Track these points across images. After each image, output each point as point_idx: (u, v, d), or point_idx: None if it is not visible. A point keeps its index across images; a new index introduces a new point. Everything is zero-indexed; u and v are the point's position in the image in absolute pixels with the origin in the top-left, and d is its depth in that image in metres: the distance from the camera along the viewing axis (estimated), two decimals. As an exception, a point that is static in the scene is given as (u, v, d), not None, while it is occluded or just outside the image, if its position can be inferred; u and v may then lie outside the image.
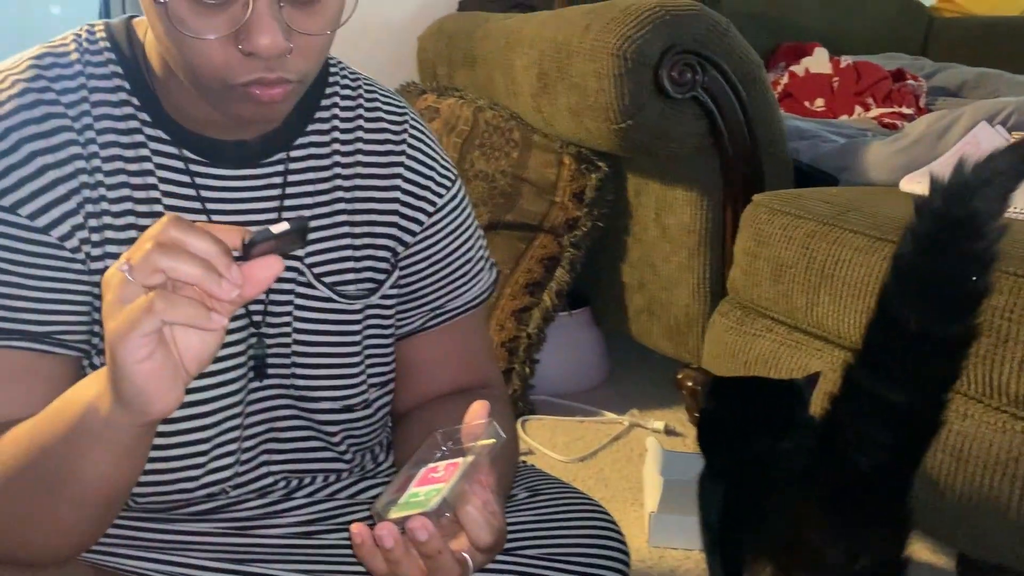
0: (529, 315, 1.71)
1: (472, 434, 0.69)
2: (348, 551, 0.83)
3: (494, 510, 0.67)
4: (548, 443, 1.62)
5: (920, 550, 1.26)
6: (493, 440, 0.67)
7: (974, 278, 0.61)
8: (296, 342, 0.82)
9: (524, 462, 1.04)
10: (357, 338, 0.84)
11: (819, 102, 2.06)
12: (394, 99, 0.88)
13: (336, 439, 0.86)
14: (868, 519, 0.68)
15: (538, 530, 0.88)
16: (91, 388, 0.62)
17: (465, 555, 0.66)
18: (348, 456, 0.88)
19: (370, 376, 0.86)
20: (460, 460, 0.66)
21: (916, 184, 1.28)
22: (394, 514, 0.64)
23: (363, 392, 0.85)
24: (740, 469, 0.84)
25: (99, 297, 0.74)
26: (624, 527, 1.34)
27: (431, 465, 0.68)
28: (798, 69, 2.18)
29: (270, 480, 0.84)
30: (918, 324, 0.63)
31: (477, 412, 0.70)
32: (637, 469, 1.52)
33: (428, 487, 0.65)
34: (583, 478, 1.50)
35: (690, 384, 1.62)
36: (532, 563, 0.85)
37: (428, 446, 0.71)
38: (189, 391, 0.77)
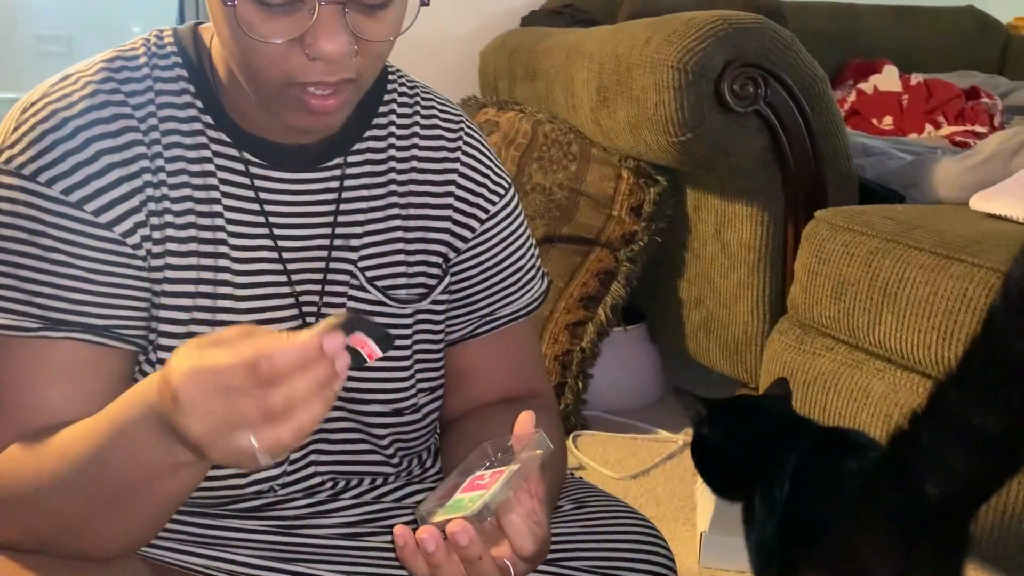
0: (583, 329, 1.70)
1: (520, 444, 0.68)
2: (392, 554, 0.83)
3: (539, 519, 0.66)
4: (600, 459, 1.60)
5: (986, 583, 1.21)
6: (540, 451, 0.66)
7: None
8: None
9: (572, 474, 1.02)
10: (407, 342, 0.84)
11: (887, 120, 2.02)
12: (450, 107, 0.89)
13: (384, 442, 0.86)
14: (924, 545, 0.65)
15: (583, 542, 0.87)
16: (154, 430, 0.62)
17: (507, 562, 0.65)
18: (395, 460, 0.88)
19: (419, 381, 0.86)
20: (506, 468, 0.66)
21: (987, 202, 1.24)
22: (438, 518, 0.64)
23: (412, 396, 0.85)
24: (782, 487, 0.81)
25: (159, 295, 0.76)
26: (675, 546, 1.32)
27: (478, 473, 0.68)
28: (866, 87, 2.14)
29: (317, 480, 0.85)
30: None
31: (525, 422, 0.70)
32: (690, 488, 1.49)
33: (473, 493, 0.65)
34: (634, 495, 1.48)
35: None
36: (575, 575, 0.84)
37: (477, 455, 0.71)
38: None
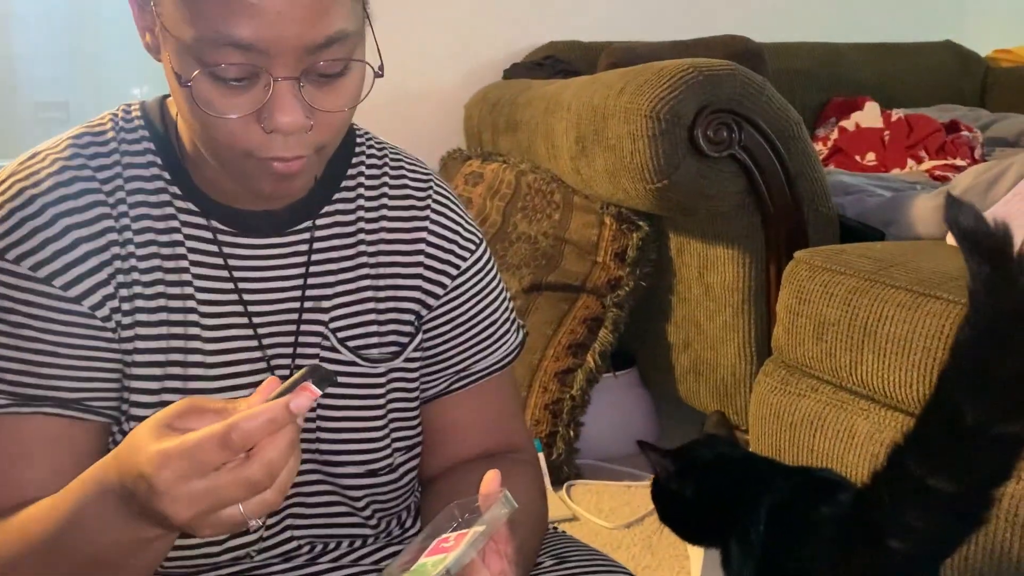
0: (573, 377, 1.70)
1: (486, 503, 0.68)
2: (369, 618, 0.82)
3: None
4: (594, 508, 1.59)
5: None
6: (506, 510, 0.66)
7: None
8: (320, 406, 0.83)
9: (555, 528, 1.02)
10: (381, 401, 0.84)
11: (870, 156, 2.03)
12: (419, 165, 0.90)
13: (361, 504, 0.85)
14: None
15: (565, 599, 0.86)
16: (116, 512, 0.62)
17: None
18: (373, 521, 0.87)
19: (395, 440, 0.86)
20: (470, 530, 0.65)
21: (963, 237, 1.24)
22: None
23: (388, 456, 0.85)
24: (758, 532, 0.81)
25: (130, 365, 0.76)
26: (669, 595, 1.31)
27: (443, 536, 0.67)
28: (848, 124, 2.16)
29: (294, 544, 0.84)
30: (975, 418, 0.60)
31: (490, 481, 0.69)
32: (684, 535, 1.47)
33: (436, 556, 0.65)
34: (628, 545, 1.46)
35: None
36: (559, 633, 0.83)
37: (444, 516, 0.70)
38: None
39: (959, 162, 1.85)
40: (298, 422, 0.59)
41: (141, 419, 0.75)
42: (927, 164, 1.89)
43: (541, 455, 1.67)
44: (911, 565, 0.63)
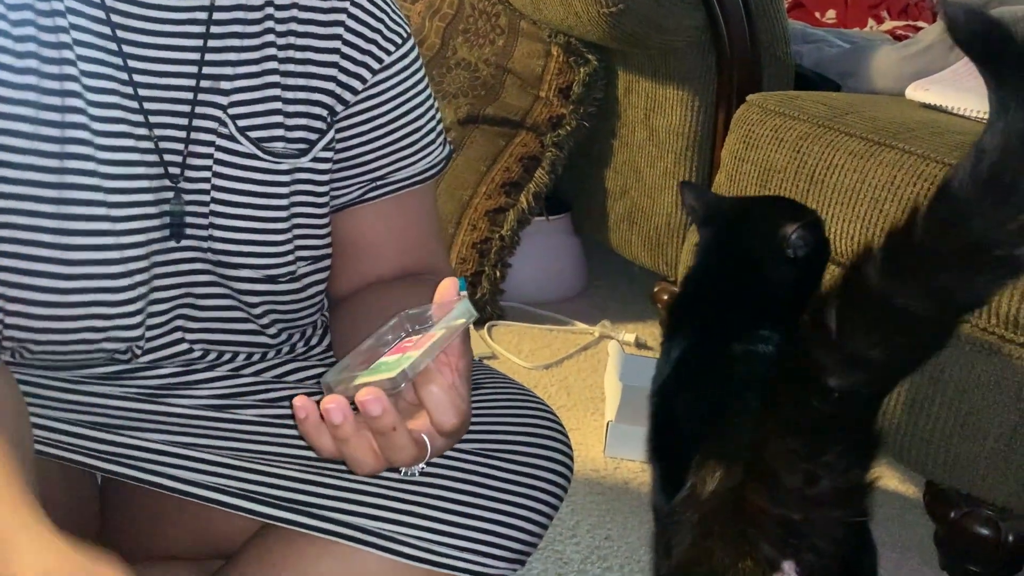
0: (504, 216, 1.62)
1: (442, 311, 0.61)
2: (266, 428, 0.77)
3: (461, 393, 0.60)
4: (514, 349, 1.56)
5: (888, 478, 1.21)
6: (463, 319, 0.59)
7: None
8: (215, 200, 0.75)
9: (478, 360, 0.97)
10: (283, 202, 0.76)
11: (830, 14, 1.94)
12: None
13: (258, 311, 0.78)
14: (830, 442, 0.58)
15: (476, 424, 0.81)
16: None
17: (424, 436, 0.59)
18: (272, 332, 0.81)
19: (299, 248, 0.79)
20: (430, 335, 0.58)
21: (924, 92, 1.19)
22: (344, 386, 0.56)
23: (290, 264, 0.78)
24: (702, 364, 0.77)
25: None
26: (582, 437, 1.29)
27: (400, 342, 0.60)
28: (811, -22, 2.05)
29: (185, 347, 0.77)
30: (984, 231, 0.50)
31: (448, 289, 0.62)
32: (601, 379, 1.46)
33: (394, 356, 0.58)
34: (545, 385, 1.44)
35: (666, 298, 1.55)
36: (464, 457, 0.79)
37: (391, 328, 0.63)
38: (95, 247, 0.70)
39: (922, 24, 1.77)
40: None
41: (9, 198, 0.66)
42: (888, 24, 1.82)
43: (465, 294, 1.62)
44: (847, 412, 0.57)
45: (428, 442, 0.59)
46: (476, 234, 1.62)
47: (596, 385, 1.44)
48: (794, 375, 0.59)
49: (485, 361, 1.51)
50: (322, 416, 0.56)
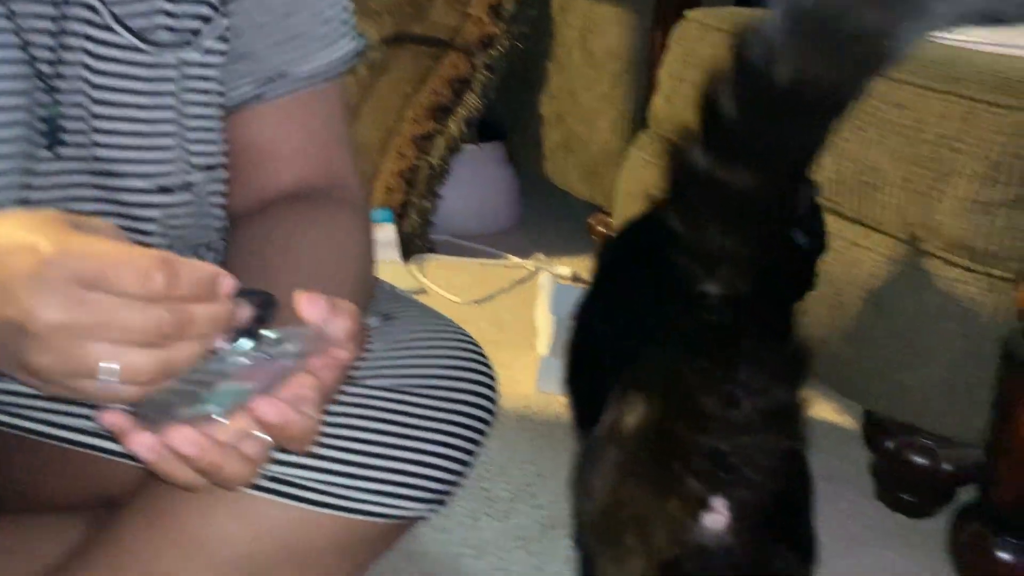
0: (432, 143, 1.54)
1: (295, 337, 0.51)
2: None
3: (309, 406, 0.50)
4: (444, 284, 1.49)
5: (825, 410, 1.19)
6: (311, 349, 0.49)
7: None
8: (95, 101, 0.66)
9: (380, 283, 0.89)
10: (170, 100, 0.68)
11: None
12: None
13: (151, 227, 0.70)
14: (740, 358, 0.52)
15: (388, 359, 0.74)
16: None
17: (267, 439, 0.49)
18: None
19: (192, 154, 0.70)
20: (265, 367, 0.49)
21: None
22: (163, 418, 0.47)
23: (182, 172, 0.69)
24: (623, 287, 0.71)
25: None
26: (515, 372, 1.24)
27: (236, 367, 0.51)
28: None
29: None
30: (791, 71, 0.43)
31: (310, 313, 0.51)
32: (535, 314, 1.40)
33: (222, 387, 0.49)
34: (476, 320, 1.38)
35: (602, 230, 1.49)
36: (379, 395, 0.72)
37: (238, 351, 0.53)
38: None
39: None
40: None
41: None
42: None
43: (392, 226, 1.54)
44: (741, 316, 0.50)
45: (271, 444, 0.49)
46: (403, 162, 1.53)
47: (530, 320, 1.38)
48: (676, 290, 0.53)
49: (415, 296, 1.44)
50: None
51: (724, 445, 0.49)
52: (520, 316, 1.39)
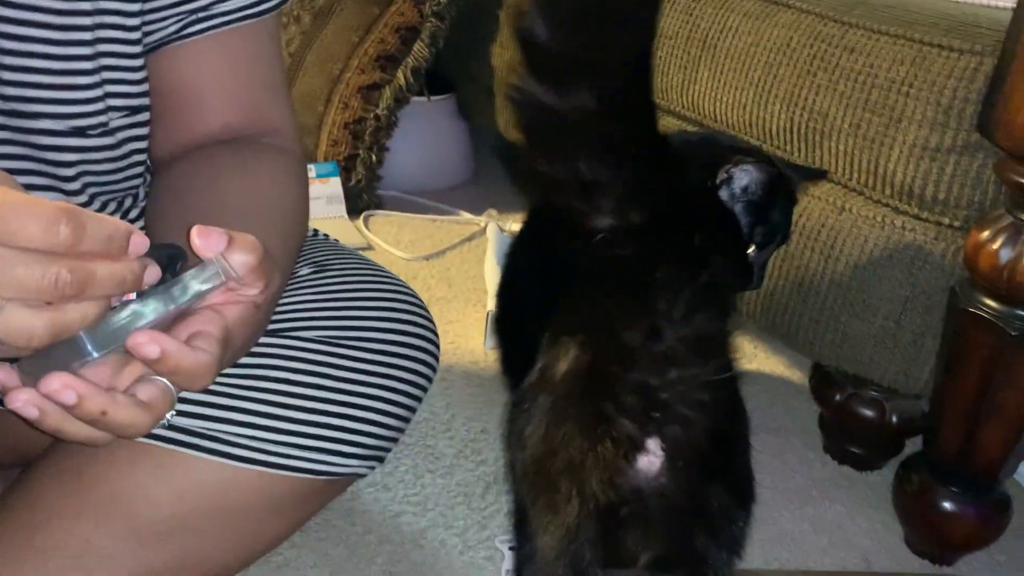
0: (379, 94, 1.49)
1: (192, 272, 0.47)
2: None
3: (209, 347, 0.46)
4: (392, 240, 1.45)
5: (774, 364, 1.18)
6: (210, 285, 0.45)
7: None
8: (2, 35, 0.61)
9: (316, 233, 0.86)
10: (87, 36, 0.64)
11: None
12: None
13: (69, 172, 0.66)
14: (653, 290, 0.49)
15: (320, 310, 0.71)
16: None
17: (164, 382, 0.46)
18: (84, 199, 0.68)
19: (110, 96, 0.66)
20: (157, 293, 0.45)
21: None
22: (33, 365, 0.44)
23: (99, 112, 0.65)
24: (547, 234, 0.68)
25: None
26: (463, 329, 1.21)
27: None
28: None
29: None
30: None
31: (197, 241, 0.47)
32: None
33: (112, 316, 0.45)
34: (424, 277, 1.35)
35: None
36: (310, 347, 0.69)
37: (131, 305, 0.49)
38: None
39: None
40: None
41: None
42: None
43: (337, 179, 1.49)
44: (638, 245, 0.47)
45: (171, 387, 0.46)
46: (348, 113, 1.48)
47: (480, 277, 1.35)
48: (568, 230, 0.50)
49: (361, 252, 1.40)
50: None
51: (653, 379, 0.47)
52: (470, 273, 1.36)
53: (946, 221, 0.82)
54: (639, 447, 0.47)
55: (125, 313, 0.43)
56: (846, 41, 0.87)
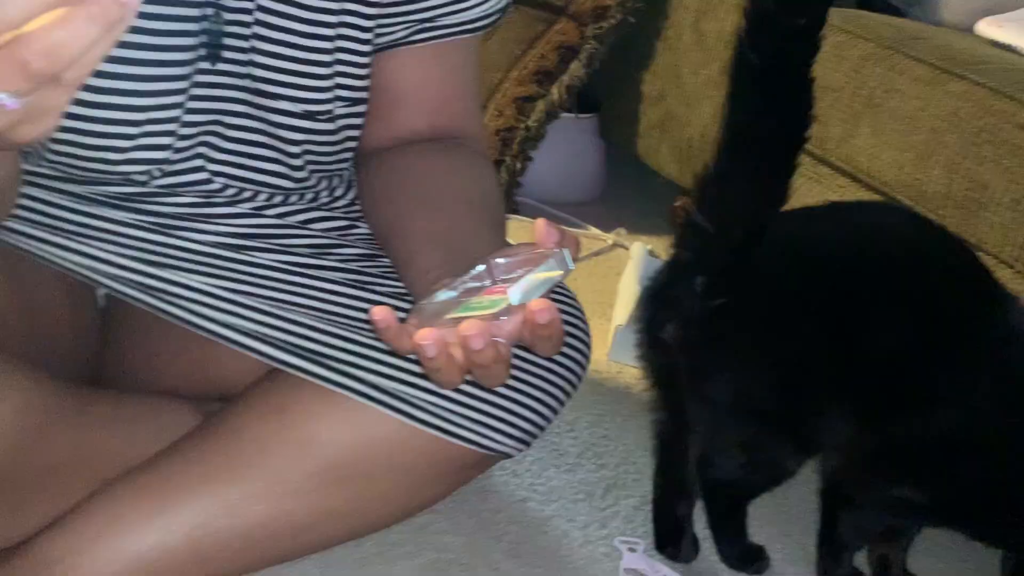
0: (532, 106, 1.56)
1: (533, 261, 0.55)
2: (283, 275, 0.74)
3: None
4: (525, 244, 1.52)
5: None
6: (559, 272, 0.53)
7: None
8: (259, 23, 0.70)
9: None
10: (330, 32, 0.72)
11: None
12: None
13: (295, 149, 0.75)
14: None
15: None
16: None
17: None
18: (302, 175, 0.77)
19: (339, 87, 0.74)
20: (525, 278, 0.53)
21: (997, 28, 1.13)
22: (436, 319, 0.54)
23: (328, 100, 0.74)
24: None
25: None
26: (587, 339, 1.27)
27: (483, 289, 0.56)
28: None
29: (204, 176, 0.73)
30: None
31: (544, 237, 0.55)
32: (611, 285, 1.43)
33: (481, 299, 0.54)
34: (554, 283, 1.41)
35: (685, 212, 1.51)
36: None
37: (476, 275, 0.58)
38: (130, 61, 0.66)
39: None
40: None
41: None
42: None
43: (564, 246, 1.57)
44: None
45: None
46: (501, 121, 1.56)
47: (604, 291, 1.41)
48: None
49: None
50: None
51: None
52: (595, 287, 1.42)
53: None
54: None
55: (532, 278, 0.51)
56: (1018, 119, 0.90)
